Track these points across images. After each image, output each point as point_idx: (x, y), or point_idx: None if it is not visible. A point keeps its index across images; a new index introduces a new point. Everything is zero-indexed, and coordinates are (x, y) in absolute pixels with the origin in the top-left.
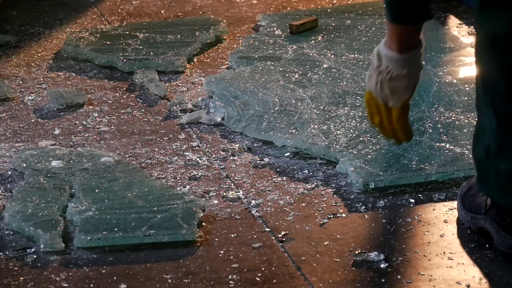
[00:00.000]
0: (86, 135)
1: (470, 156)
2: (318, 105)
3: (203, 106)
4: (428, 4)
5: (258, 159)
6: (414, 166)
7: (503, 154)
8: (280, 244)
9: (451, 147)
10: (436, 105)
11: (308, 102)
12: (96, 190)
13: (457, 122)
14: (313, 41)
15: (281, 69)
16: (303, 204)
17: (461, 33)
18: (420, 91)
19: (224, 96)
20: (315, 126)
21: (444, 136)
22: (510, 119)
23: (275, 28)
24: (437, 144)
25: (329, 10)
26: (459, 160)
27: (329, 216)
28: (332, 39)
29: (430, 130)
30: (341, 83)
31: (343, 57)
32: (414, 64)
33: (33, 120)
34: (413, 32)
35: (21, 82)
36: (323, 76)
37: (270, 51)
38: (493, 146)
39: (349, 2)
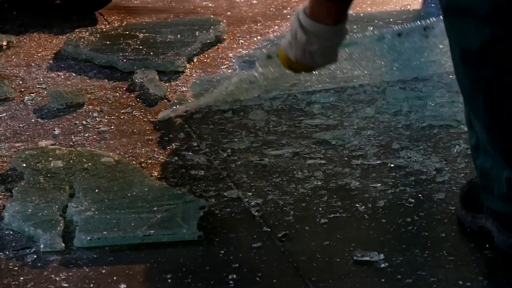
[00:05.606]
0: (86, 135)
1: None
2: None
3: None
4: None
5: (258, 159)
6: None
7: (501, 163)
8: (280, 244)
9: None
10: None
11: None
12: (96, 190)
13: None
14: None
15: None
16: (303, 204)
17: None
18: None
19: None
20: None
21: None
22: (497, 131)
23: None
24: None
25: None
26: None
27: (329, 216)
28: None
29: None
30: None
31: None
32: (344, 32)
33: (33, 120)
34: (349, 5)
35: (21, 82)
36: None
37: None
38: (491, 155)
39: None
